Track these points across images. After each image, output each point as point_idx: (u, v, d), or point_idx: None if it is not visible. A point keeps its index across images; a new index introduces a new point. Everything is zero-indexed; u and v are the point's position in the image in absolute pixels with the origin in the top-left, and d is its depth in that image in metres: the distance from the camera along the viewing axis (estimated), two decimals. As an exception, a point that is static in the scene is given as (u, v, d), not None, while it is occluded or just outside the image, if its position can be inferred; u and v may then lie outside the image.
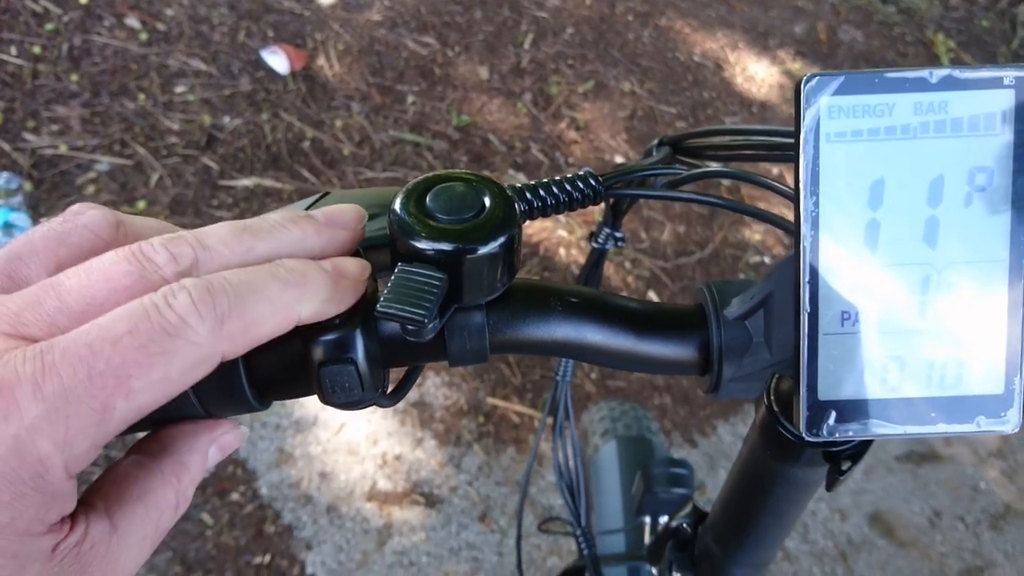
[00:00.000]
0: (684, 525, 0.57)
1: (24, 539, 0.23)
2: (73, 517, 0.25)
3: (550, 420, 0.76)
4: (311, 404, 1.67)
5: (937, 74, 0.26)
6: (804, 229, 0.27)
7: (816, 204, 0.27)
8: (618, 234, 0.59)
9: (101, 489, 0.27)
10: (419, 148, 2.11)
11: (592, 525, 1.06)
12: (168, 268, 0.26)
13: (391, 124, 2.15)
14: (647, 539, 0.94)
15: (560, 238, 2.02)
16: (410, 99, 2.21)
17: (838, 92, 0.27)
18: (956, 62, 2.71)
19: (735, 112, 2.42)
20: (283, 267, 0.27)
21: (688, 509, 0.58)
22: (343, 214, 0.31)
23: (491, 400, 1.74)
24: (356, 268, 0.29)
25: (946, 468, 1.86)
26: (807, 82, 0.27)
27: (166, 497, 0.28)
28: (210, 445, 0.30)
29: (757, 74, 2.56)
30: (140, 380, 0.23)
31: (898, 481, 1.82)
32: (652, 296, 1.96)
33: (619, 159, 2.21)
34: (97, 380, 0.23)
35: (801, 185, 0.27)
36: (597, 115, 2.31)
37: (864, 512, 1.76)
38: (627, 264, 2.02)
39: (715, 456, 1.78)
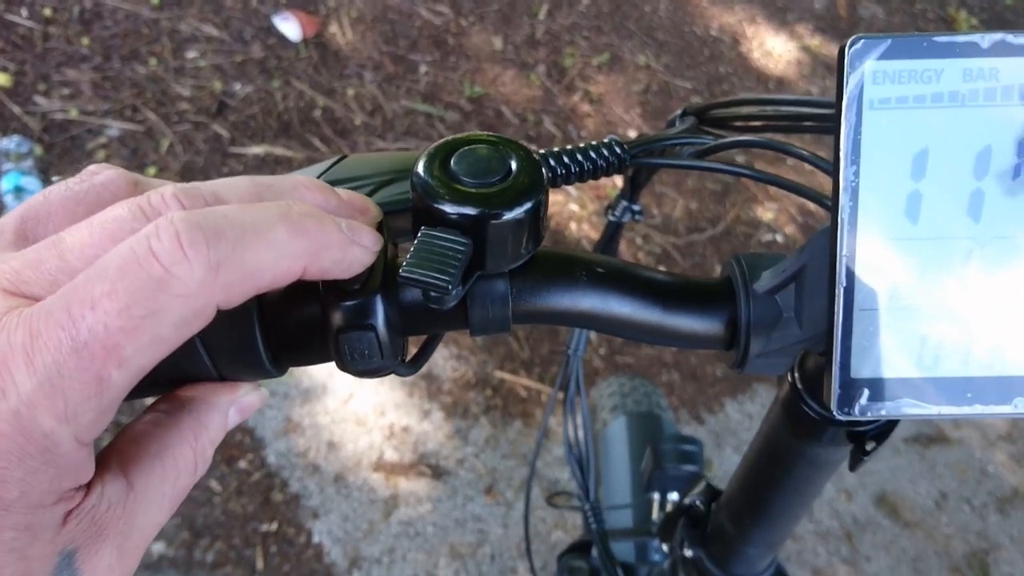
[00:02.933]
0: (697, 503, 0.57)
1: (36, 510, 0.22)
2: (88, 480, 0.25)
3: (560, 394, 0.76)
4: (319, 373, 1.67)
5: (989, 39, 0.25)
6: (843, 200, 0.26)
7: (856, 174, 0.26)
8: (636, 207, 0.58)
9: (116, 447, 0.26)
10: (431, 119, 2.09)
11: (600, 500, 1.06)
12: None
13: (403, 94, 2.13)
14: (655, 515, 0.94)
15: (571, 212, 2.01)
16: (423, 69, 2.19)
17: (884, 56, 0.25)
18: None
19: (751, 87, 2.39)
20: (295, 208, 0.24)
21: (702, 487, 0.58)
22: (363, 203, 0.29)
23: (499, 373, 1.74)
24: (370, 238, 0.27)
25: (954, 451, 1.86)
26: (852, 45, 0.25)
27: (183, 454, 0.27)
28: (230, 406, 0.29)
29: (775, 49, 2.52)
30: (130, 347, 0.21)
31: (905, 462, 1.82)
32: (663, 272, 1.95)
33: (632, 133, 2.19)
34: (84, 352, 0.21)
35: (841, 154, 0.26)
36: (611, 88, 2.28)
37: (870, 493, 1.76)
38: (638, 240, 2.01)
39: (722, 434, 1.78)
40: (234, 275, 0.23)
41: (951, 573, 1.68)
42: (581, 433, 0.77)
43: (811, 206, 2.15)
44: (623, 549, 0.92)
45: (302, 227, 0.24)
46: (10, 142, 1.78)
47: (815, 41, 2.58)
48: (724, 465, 1.73)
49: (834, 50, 2.57)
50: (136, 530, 0.25)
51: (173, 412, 0.28)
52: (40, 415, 0.21)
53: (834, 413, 0.28)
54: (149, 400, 0.29)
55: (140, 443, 0.27)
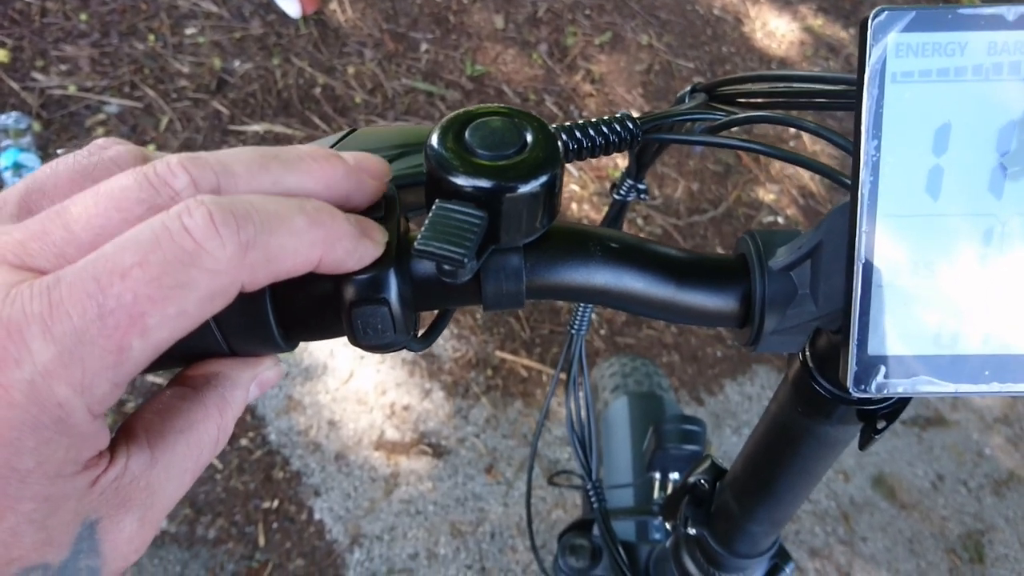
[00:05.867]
0: (702, 481, 0.57)
1: (56, 481, 0.22)
2: (114, 449, 0.24)
3: (563, 375, 0.76)
4: (320, 352, 1.67)
5: (1015, 11, 0.25)
6: (863, 175, 0.26)
7: (878, 148, 0.26)
8: (641, 186, 0.58)
9: (144, 419, 0.26)
10: (432, 97, 2.08)
11: (601, 479, 1.07)
12: (186, 194, 0.24)
13: (404, 72, 2.11)
14: (656, 494, 0.94)
15: (572, 192, 2.00)
16: (424, 47, 2.17)
17: (907, 29, 0.25)
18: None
19: (754, 68, 2.37)
20: (310, 203, 0.25)
21: (706, 465, 0.58)
22: (372, 162, 0.29)
23: (500, 354, 1.74)
24: (379, 234, 0.28)
25: (951, 433, 1.87)
26: (876, 16, 0.25)
27: (208, 431, 0.27)
28: (252, 381, 0.29)
29: (777, 29, 2.50)
30: (155, 316, 0.22)
31: (903, 444, 1.83)
32: (664, 254, 1.95)
33: (635, 114, 2.18)
34: (109, 319, 0.21)
35: (863, 128, 0.26)
36: (613, 68, 2.27)
37: (867, 474, 1.77)
38: (639, 221, 2.00)
39: (721, 415, 1.78)
40: (260, 257, 0.23)
41: (946, 554, 1.69)
42: (583, 413, 0.77)
43: (813, 187, 2.14)
44: (624, 528, 0.92)
45: (318, 219, 0.25)
46: (8, 118, 1.77)
47: (818, 21, 2.56)
48: (723, 446, 1.73)
49: (837, 30, 2.55)
50: (157, 503, 0.26)
51: (199, 388, 0.28)
52: (56, 384, 0.21)
53: (850, 390, 0.28)
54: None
55: (167, 417, 0.27)
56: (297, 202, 0.25)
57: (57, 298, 0.21)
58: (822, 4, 2.62)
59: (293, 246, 0.24)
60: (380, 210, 0.29)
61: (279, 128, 1.95)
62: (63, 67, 1.93)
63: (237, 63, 2.03)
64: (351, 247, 0.26)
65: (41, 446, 0.21)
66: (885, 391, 0.28)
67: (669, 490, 0.93)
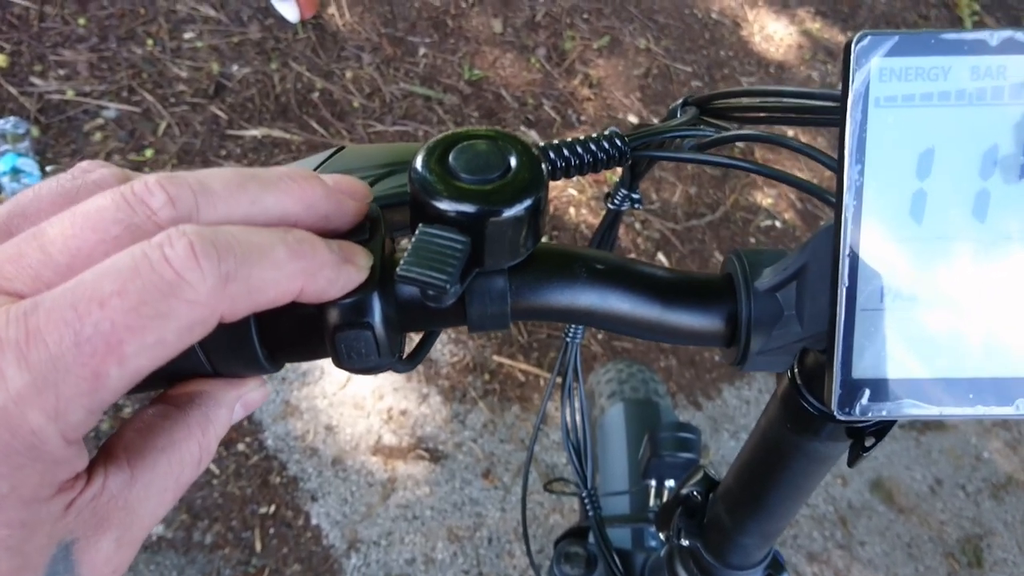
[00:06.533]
0: (695, 493, 0.57)
1: (31, 505, 0.22)
2: (91, 469, 0.24)
3: (559, 379, 0.76)
4: (317, 358, 1.67)
5: (998, 36, 0.25)
6: (846, 199, 0.26)
7: (861, 173, 0.26)
8: (635, 195, 0.58)
9: (124, 438, 0.26)
10: (430, 102, 2.08)
11: (597, 486, 1.06)
12: (164, 213, 0.24)
13: (402, 76, 2.11)
14: (652, 502, 0.94)
15: (570, 197, 2.00)
16: (422, 51, 2.17)
17: (891, 53, 0.25)
18: (979, 25, 2.65)
19: (752, 72, 2.37)
20: (291, 235, 0.25)
21: (699, 477, 0.58)
22: (352, 184, 0.29)
23: (497, 358, 1.74)
24: (363, 259, 0.27)
25: (949, 437, 1.87)
26: (858, 41, 0.25)
27: (190, 450, 0.27)
28: (237, 401, 0.29)
29: (775, 34, 2.50)
30: (133, 345, 0.21)
31: (901, 448, 1.83)
32: (661, 258, 1.95)
33: (633, 119, 2.18)
34: (86, 347, 0.21)
35: (846, 152, 0.26)
36: (611, 72, 2.27)
37: (866, 478, 1.77)
38: (637, 225, 2.00)
39: (719, 420, 1.78)
40: (241, 289, 0.23)
41: (945, 558, 1.69)
42: (579, 420, 0.77)
43: (811, 192, 2.14)
44: (620, 535, 0.92)
45: (299, 250, 0.25)
46: (6, 123, 1.77)
47: (816, 25, 2.56)
48: (721, 451, 1.73)
49: (835, 34, 2.55)
50: (136, 522, 0.25)
51: (181, 406, 0.28)
52: (29, 411, 0.21)
53: (835, 413, 0.28)
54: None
55: (147, 436, 0.26)
56: (279, 233, 0.25)
57: (34, 325, 0.21)
58: (820, 7, 2.62)
59: (274, 278, 0.24)
60: (364, 232, 0.29)
61: (277, 133, 1.95)
62: (61, 72, 1.93)
63: (235, 68, 2.03)
64: (333, 276, 0.26)
65: (14, 471, 0.21)
66: (870, 414, 0.28)
67: (665, 498, 0.93)
